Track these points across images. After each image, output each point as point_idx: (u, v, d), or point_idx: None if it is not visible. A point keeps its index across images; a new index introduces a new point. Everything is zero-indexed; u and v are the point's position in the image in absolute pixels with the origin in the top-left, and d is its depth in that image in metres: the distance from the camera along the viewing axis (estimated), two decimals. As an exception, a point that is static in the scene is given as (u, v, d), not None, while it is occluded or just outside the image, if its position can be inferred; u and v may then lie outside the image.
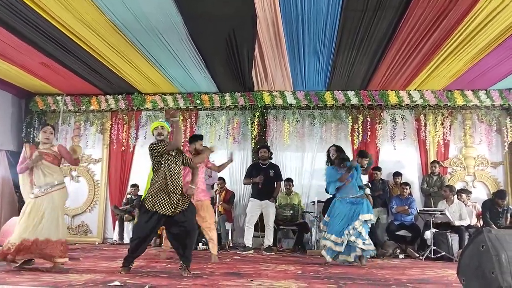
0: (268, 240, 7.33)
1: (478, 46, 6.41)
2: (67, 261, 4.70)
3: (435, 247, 6.92)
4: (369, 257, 5.94)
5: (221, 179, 8.32)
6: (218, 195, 7.93)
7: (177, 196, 4.45)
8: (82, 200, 9.42)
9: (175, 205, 4.42)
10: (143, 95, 9.21)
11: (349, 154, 8.34)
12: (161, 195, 4.42)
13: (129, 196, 8.91)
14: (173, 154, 4.55)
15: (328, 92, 8.74)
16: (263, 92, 8.86)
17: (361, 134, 8.69)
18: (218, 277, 4.39)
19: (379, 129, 8.72)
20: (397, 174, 8.33)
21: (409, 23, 5.76)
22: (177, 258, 5.85)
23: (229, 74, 7.98)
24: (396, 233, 7.61)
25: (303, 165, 8.93)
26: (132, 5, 5.46)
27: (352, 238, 5.58)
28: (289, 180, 8.35)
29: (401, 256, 7.16)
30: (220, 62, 7.41)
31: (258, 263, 5.77)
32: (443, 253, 6.87)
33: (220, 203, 8.05)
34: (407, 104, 8.70)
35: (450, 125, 8.67)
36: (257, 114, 8.91)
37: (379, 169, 8.32)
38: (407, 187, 7.87)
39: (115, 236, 8.80)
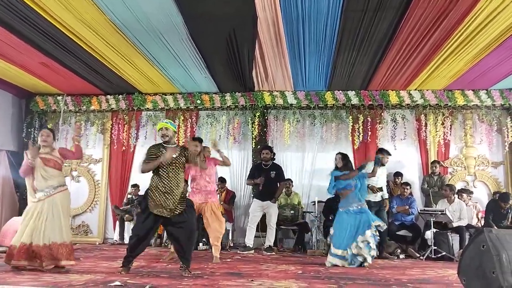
0: (269, 240, 7.32)
1: (478, 46, 6.40)
2: (73, 264, 4.68)
3: (435, 247, 6.91)
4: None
5: (222, 179, 8.32)
6: (218, 195, 7.92)
7: (176, 198, 4.43)
8: (82, 200, 9.41)
9: (173, 208, 4.40)
10: (144, 95, 9.21)
11: (349, 154, 8.36)
12: (159, 197, 4.41)
13: (129, 196, 8.91)
14: (173, 156, 4.49)
15: (329, 92, 8.73)
16: (264, 92, 8.86)
17: (361, 134, 8.68)
18: (219, 277, 4.40)
19: (380, 129, 8.72)
20: (397, 174, 8.33)
21: (409, 23, 5.75)
22: (177, 258, 5.87)
23: (230, 74, 7.98)
24: (397, 233, 7.61)
25: (304, 165, 8.92)
26: (132, 4, 5.45)
27: (362, 252, 5.55)
28: (288, 180, 8.34)
29: (401, 256, 7.15)
30: (221, 62, 7.41)
31: (259, 263, 5.77)
32: (444, 253, 6.86)
33: (221, 203, 8.06)
34: (407, 104, 8.69)
35: (450, 125, 8.66)
36: (258, 114, 8.90)
37: (379, 169, 8.33)
38: (408, 187, 7.87)
39: (116, 236, 8.80)
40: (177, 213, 4.43)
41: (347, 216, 5.76)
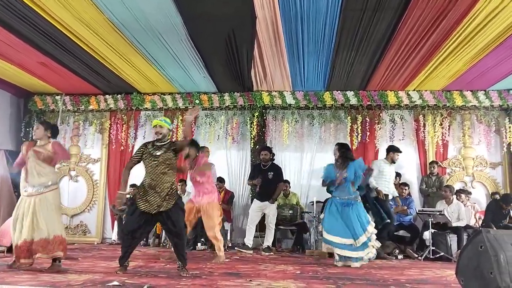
0: (268, 240, 7.33)
1: (477, 47, 6.41)
2: (62, 255, 4.65)
3: (433, 248, 6.91)
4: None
5: (220, 179, 8.32)
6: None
7: (161, 195, 4.43)
8: (81, 200, 9.43)
9: (157, 205, 4.41)
10: (142, 95, 9.21)
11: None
12: (145, 193, 4.45)
13: (128, 196, 8.89)
14: (158, 154, 4.53)
15: (327, 92, 8.74)
16: (262, 92, 8.87)
17: (360, 134, 8.69)
18: (217, 277, 4.39)
19: (378, 130, 8.73)
20: (395, 175, 8.31)
21: (408, 23, 5.76)
22: (176, 258, 5.87)
23: (228, 74, 7.98)
24: (395, 233, 7.61)
25: (302, 165, 8.93)
26: (131, 4, 5.45)
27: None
28: (285, 182, 8.32)
29: (400, 256, 7.15)
30: (219, 62, 7.41)
31: (257, 263, 5.77)
32: (442, 254, 6.86)
33: (220, 203, 8.05)
34: (406, 105, 8.71)
35: (449, 126, 8.68)
36: (256, 114, 8.91)
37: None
38: (406, 188, 7.89)
39: (114, 236, 8.79)
40: (163, 210, 4.41)
41: (334, 205, 5.86)
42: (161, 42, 6.55)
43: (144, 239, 8.20)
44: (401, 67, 7.34)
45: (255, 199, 7.57)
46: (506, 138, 8.41)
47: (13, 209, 4.80)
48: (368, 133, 8.67)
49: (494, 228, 6.55)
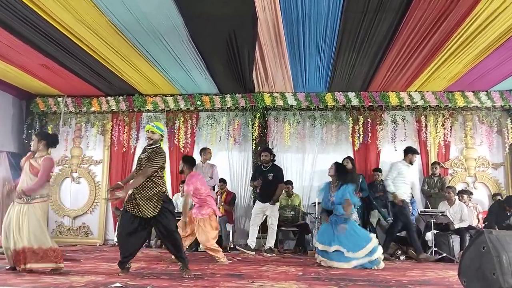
0: (270, 242, 7.32)
1: (478, 48, 6.41)
2: (62, 267, 4.67)
3: (436, 248, 6.90)
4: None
5: (223, 180, 8.33)
6: (219, 196, 7.94)
7: (143, 199, 4.48)
8: (83, 201, 9.43)
9: (137, 207, 4.47)
10: (144, 96, 9.22)
11: (350, 155, 8.38)
12: (131, 196, 4.57)
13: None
14: (142, 157, 4.66)
15: (329, 93, 8.74)
16: (264, 93, 8.87)
17: (362, 135, 8.68)
18: (219, 278, 4.40)
19: (380, 131, 8.72)
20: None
21: (409, 24, 5.76)
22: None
23: (230, 75, 7.99)
24: (397, 234, 7.59)
25: (304, 166, 8.92)
26: (132, 6, 5.45)
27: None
28: (288, 183, 8.32)
29: (402, 257, 7.14)
30: (221, 63, 7.42)
31: (259, 265, 5.77)
32: (444, 255, 6.85)
33: (221, 203, 8.07)
34: (407, 105, 8.71)
35: (451, 126, 8.66)
36: (258, 115, 8.91)
37: (380, 170, 8.35)
38: (408, 188, 7.87)
39: (116, 238, 8.79)
40: (149, 214, 4.45)
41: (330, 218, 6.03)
42: (162, 44, 6.56)
43: (146, 241, 8.22)
44: (403, 68, 7.34)
45: (257, 201, 7.58)
46: (508, 138, 8.41)
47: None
48: (369, 134, 8.65)
49: (497, 230, 6.53)
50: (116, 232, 8.60)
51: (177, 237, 4.70)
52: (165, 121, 9.23)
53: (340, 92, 8.71)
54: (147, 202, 4.46)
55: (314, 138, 8.96)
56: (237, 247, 7.49)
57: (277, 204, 7.49)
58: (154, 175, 4.58)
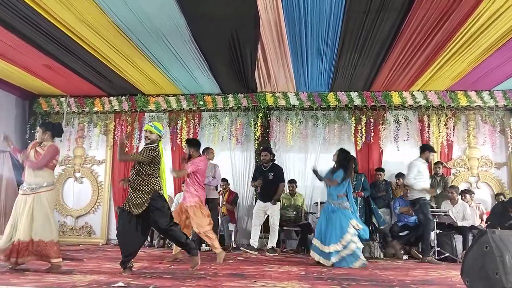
0: (272, 241, 7.32)
1: (481, 47, 6.39)
2: (61, 261, 4.69)
3: (438, 248, 6.90)
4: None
5: (225, 180, 8.35)
6: (221, 196, 7.94)
7: (137, 196, 4.60)
8: (85, 201, 9.45)
9: (129, 203, 4.59)
10: (147, 96, 9.24)
11: (352, 154, 8.36)
12: (128, 193, 4.72)
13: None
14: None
15: (331, 93, 8.74)
16: (266, 93, 8.87)
17: (364, 135, 8.67)
18: (222, 278, 4.40)
19: (382, 130, 8.71)
20: (398, 176, 8.32)
21: (412, 24, 5.75)
22: (180, 259, 5.90)
23: (232, 76, 7.99)
24: (400, 234, 7.59)
25: (306, 166, 8.90)
26: (134, 6, 5.47)
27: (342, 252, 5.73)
28: (292, 181, 8.36)
29: (404, 257, 7.14)
30: (223, 64, 7.43)
31: (262, 264, 5.77)
32: (447, 254, 6.85)
33: (224, 203, 8.08)
34: (410, 105, 8.69)
35: (453, 126, 8.64)
36: (260, 115, 8.91)
37: (382, 170, 8.34)
38: (411, 188, 7.85)
39: (116, 237, 8.80)
40: (136, 211, 4.55)
41: (323, 211, 6.21)
42: (165, 44, 6.57)
43: (149, 240, 8.24)
44: (405, 67, 7.33)
45: (258, 200, 7.59)
46: (511, 138, 8.38)
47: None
48: (372, 134, 8.65)
49: (499, 229, 6.52)
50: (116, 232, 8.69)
51: (174, 229, 4.76)
52: (167, 121, 9.25)
53: (343, 92, 8.71)
54: (136, 199, 4.59)
55: (317, 138, 8.95)
56: (240, 248, 7.49)
57: (278, 204, 7.50)
58: (145, 172, 4.68)
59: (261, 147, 8.25)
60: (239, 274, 4.71)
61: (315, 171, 6.28)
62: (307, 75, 7.90)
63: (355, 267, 5.60)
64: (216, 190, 7.87)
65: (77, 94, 9.31)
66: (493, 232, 2.97)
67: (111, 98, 9.31)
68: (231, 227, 8.26)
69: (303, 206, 8.31)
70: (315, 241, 6.04)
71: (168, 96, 9.18)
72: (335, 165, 6.18)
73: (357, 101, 8.71)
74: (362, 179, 7.83)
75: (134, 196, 4.60)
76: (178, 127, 9.18)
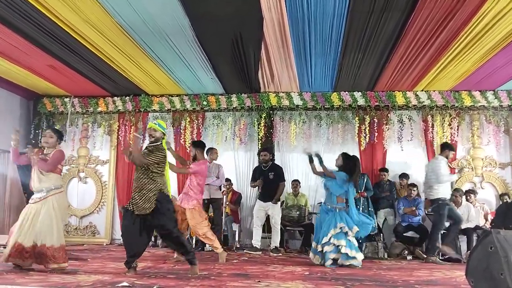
0: (274, 241, 7.32)
1: (485, 47, 6.38)
2: (66, 266, 4.70)
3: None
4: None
5: (228, 180, 8.35)
6: (225, 196, 7.95)
7: (142, 197, 4.49)
8: (89, 201, 9.48)
9: (134, 203, 4.50)
10: (150, 96, 9.25)
11: (356, 155, 8.35)
12: (132, 194, 4.61)
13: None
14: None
15: (335, 93, 8.73)
16: (270, 93, 8.87)
17: (368, 135, 8.66)
18: (226, 278, 4.40)
19: (386, 130, 8.69)
20: (402, 176, 8.30)
21: (415, 24, 5.74)
22: (184, 260, 5.89)
23: (236, 76, 8.00)
24: (404, 234, 7.59)
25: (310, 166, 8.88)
26: (138, 6, 5.48)
27: (326, 248, 5.70)
28: (296, 181, 8.37)
29: (409, 257, 7.13)
30: (227, 64, 7.43)
31: (265, 264, 5.77)
32: (453, 253, 6.82)
33: (227, 203, 8.08)
34: (414, 105, 8.67)
35: (457, 126, 8.62)
36: (264, 115, 8.92)
37: (386, 170, 8.32)
38: (415, 188, 7.83)
39: (121, 237, 8.82)
40: (143, 212, 4.45)
41: (320, 212, 6.21)
42: (168, 44, 6.58)
43: (153, 240, 8.24)
44: (409, 67, 7.31)
45: (258, 200, 7.59)
46: (515, 138, 8.36)
47: (23, 209, 4.85)
48: (376, 134, 8.62)
49: (504, 230, 6.49)
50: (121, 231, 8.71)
51: (176, 235, 4.61)
52: (171, 121, 9.26)
53: (346, 92, 8.70)
54: (142, 199, 4.47)
55: (320, 138, 8.94)
56: (245, 250, 7.47)
57: (279, 203, 7.50)
58: (152, 172, 4.58)
59: (261, 147, 8.26)
60: (243, 274, 4.71)
61: (318, 155, 6.25)
62: (311, 75, 7.89)
63: (345, 265, 5.58)
64: (220, 190, 7.89)
65: (81, 94, 9.34)
66: (498, 233, 2.96)
67: (115, 98, 9.33)
68: (235, 227, 8.27)
69: (306, 206, 8.31)
70: (313, 243, 6.07)
71: (172, 96, 9.19)
72: (339, 170, 6.11)
73: (361, 101, 8.70)
74: (365, 179, 7.83)
75: (139, 196, 4.49)
76: (181, 127, 9.19)
